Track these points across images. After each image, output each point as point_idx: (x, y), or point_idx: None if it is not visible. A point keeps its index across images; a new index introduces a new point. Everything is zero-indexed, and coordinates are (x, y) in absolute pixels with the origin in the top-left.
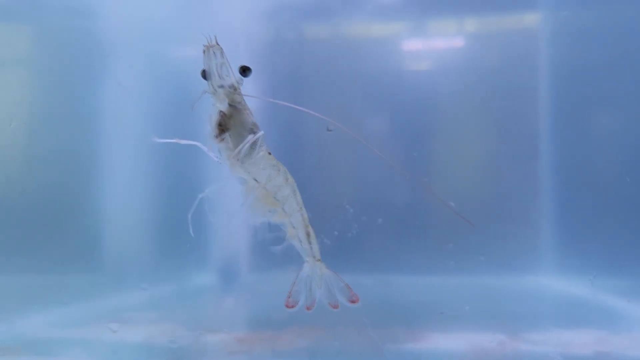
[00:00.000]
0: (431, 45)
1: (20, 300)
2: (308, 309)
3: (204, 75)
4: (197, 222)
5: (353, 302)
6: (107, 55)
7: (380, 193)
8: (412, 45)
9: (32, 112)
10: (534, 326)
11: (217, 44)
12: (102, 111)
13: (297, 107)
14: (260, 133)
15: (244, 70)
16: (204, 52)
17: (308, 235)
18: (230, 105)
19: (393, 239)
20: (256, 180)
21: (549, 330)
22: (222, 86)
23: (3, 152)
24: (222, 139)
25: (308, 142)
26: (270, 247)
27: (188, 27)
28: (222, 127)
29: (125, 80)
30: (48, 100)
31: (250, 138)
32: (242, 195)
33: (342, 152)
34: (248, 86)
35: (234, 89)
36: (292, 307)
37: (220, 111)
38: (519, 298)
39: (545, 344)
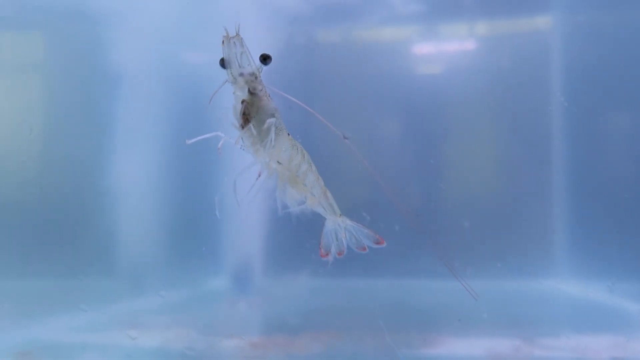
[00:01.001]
0: (443, 49)
1: (37, 305)
2: (339, 254)
3: (223, 64)
4: (211, 226)
5: (379, 243)
6: (119, 61)
7: (397, 200)
8: (424, 48)
9: (47, 118)
10: (550, 331)
11: (238, 34)
12: (115, 116)
13: (309, 108)
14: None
15: (265, 59)
16: (223, 42)
17: (327, 197)
18: (250, 92)
19: (410, 245)
20: (279, 162)
21: (566, 335)
22: (242, 74)
23: (19, 158)
24: (247, 128)
25: (323, 150)
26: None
27: (199, 31)
28: (247, 116)
29: (138, 86)
30: (62, 105)
31: (272, 122)
32: (266, 178)
33: (358, 160)
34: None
35: (254, 77)
36: (326, 255)
37: (243, 100)
38: (535, 303)
39: (561, 349)
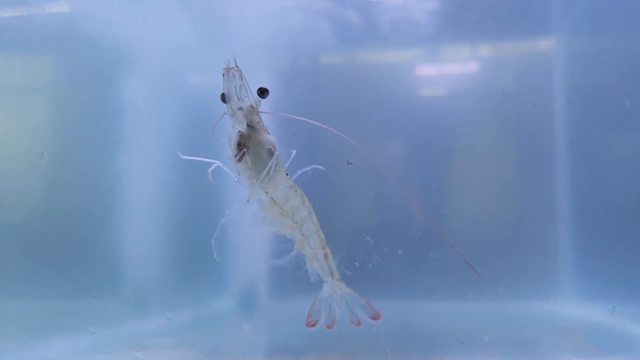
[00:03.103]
0: (446, 71)
1: (43, 326)
2: (328, 327)
3: (224, 98)
4: (216, 248)
5: (375, 318)
6: (127, 84)
7: (399, 224)
8: (427, 70)
9: (55, 140)
10: (553, 354)
11: (237, 65)
12: (121, 139)
13: (313, 122)
14: (278, 153)
15: (262, 92)
16: (223, 75)
17: (326, 255)
18: (248, 125)
19: (413, 269)
20: (274, 200)
21: (568, 358)
22: (240, 108)
23: (26, 180)
24: (241, 159)
25: (327, 174)
26: (276, 261)
27: (207, 55)
28: (241, 147)
29: (146, 110)
30: (70, 128)
31: (273, 160)
32: (259, 216)
33: (361, 184)
34: (266, 108)
35: (252, 109)
36: (313, 325)
37: (239, 132)
38: (537, 326)
39: None
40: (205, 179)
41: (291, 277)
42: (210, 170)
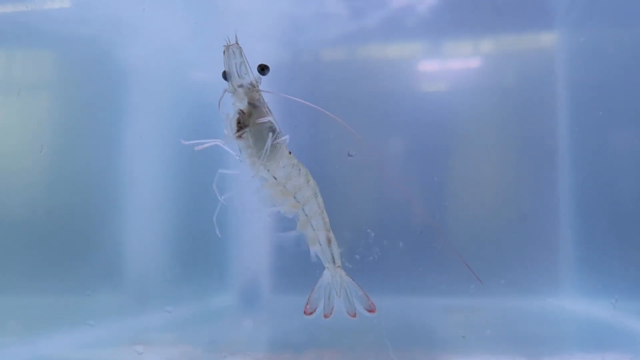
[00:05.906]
0: (448, 66)
1: (44, 321)
2: (326, 316)
3: (225, 76)
4: (218, 243)
5: (370, 311)
6: (128, 80)
7: (400, 217)
8: (429, 66)
9: (56, 136)
10: (554, 349)
11: (237, 42)
12: (123, 134)
13: (315, 106)
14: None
15: (263, 69)
16: (224, 52)
17: (329, 240)
18: (249, 103)
19: (414, 262)
20: (275, 178)
21: (571, 354)
22: (241, 85)
23: (28, 175)
24: (241, 137)
25: (328, 167)
26: (281, 234)
27: (206, 51)
28: (241, 125)
29: (146, 104)
30: (71, 123)
31: (271, 137)
32: (261, 193)
33: (362, 176)
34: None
35: (252, 87)
36: (310, 314)
37: (239, 109)
38: (539, 320)
39: None
40: (206, 175)
41: (292, 272)
42: (203, 147)
